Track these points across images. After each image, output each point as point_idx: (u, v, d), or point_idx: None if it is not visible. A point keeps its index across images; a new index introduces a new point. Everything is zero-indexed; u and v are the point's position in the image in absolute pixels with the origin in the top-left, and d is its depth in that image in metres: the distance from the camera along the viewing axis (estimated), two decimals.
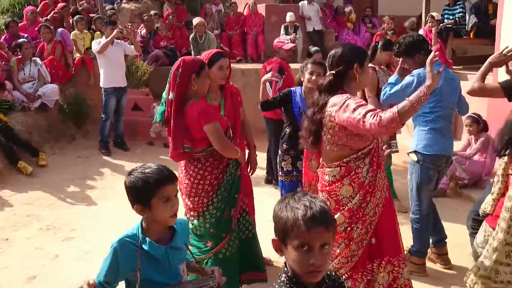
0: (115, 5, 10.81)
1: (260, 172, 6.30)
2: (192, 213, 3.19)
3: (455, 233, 4.21)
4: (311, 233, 1.52)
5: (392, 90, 3.81)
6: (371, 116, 2.44)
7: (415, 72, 3.73)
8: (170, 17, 10.30)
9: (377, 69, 4.84)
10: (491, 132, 5.58)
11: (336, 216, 2.64)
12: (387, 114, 2.43)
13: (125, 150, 7.61)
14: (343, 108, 2.56)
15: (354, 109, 2.50)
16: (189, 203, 3.18)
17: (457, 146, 5.95)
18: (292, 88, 4.13)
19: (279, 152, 4.17)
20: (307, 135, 2.80)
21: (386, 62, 4.99)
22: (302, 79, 4.10)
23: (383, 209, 2.78)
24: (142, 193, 1.99)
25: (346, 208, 2.71)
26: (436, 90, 3.56)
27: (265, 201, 5.08)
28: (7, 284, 3.81)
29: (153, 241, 2.05)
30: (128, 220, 4.85)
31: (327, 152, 2.77)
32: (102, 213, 5.28)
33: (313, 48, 5.98)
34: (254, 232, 3.45)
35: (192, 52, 9.38)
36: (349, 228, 2.70)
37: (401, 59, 3.95)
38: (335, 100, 2.64)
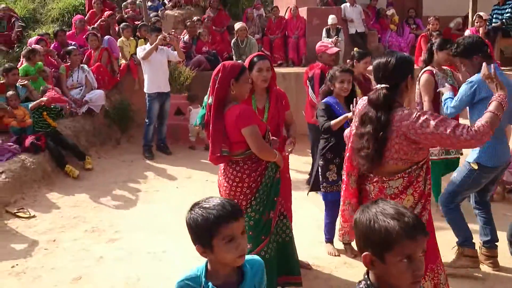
0: (159, 12, 11.06)
1: (301, 176, 6.29)
2: None
3: (502, 240, 4.04)
4: (415, 242, 1.47)
5: (453, 103, 3.81)
6: (462, 130, 2.46)
7: (474, 79, 3.67)
8: (205, 20, 10.42)
9: (434, 72, 4.69)
10: None
11: None
12: (480, 127, 2.47)
13: (167, 154, 7.75)
14: (420, 123, 2.50)
15: (437, 125, 2.47)
16: None
17: None
18: (325, 100, 4.10)
19: (321, 162, 4.09)
20: (370, 155, 2.64)
21: (447, 62, 4.80)
22: (331, 88, 4.08)
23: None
24: (202, 232, 1.80)
25: None
26: (482, 104, 3.52)
27: (304, 205, 5.10)
28: (54, 284, 3.95)
29: (217, 286, 1.84)
30: (170, 222, 4.99)
31: (387, 167, 2.67)
32: (145, 216, 5.38)
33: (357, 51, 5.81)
34: (291, 236, 3.44)
35: (233, 56, 9.46)
36: None
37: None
38: (403, 115, 2.55)
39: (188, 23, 9.84)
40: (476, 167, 3.69)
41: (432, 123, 2.47)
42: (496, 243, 3.95)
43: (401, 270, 1.47)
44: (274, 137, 3.42)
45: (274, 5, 12.26)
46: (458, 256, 3.93)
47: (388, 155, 2.61)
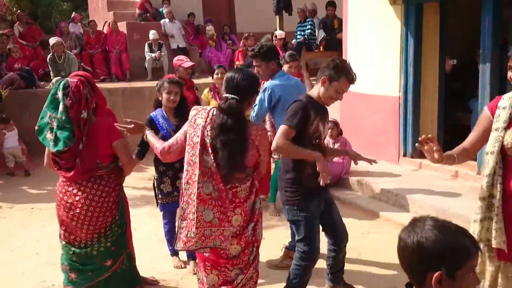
0: None
1: (137, 192, 6.28)
2: (90, 236, 3.11)
3: None
4: (477, 255, 1.47)
5: (255, 112, 4.21)
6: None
7: (267, 85, 4.12)
8: (14, 35, 9.67)
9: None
10: (345, 135, 6.27)
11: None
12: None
13: None
14: (262, 143, 2.85)
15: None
16: (86, 227, 3.08)
17: None
18: (152, 114, 4.08)
19: (155, 175, 4.10)
20: (226, 163, 2.73)
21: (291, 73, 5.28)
22: (160, 98, 4.06)
23: None
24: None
25: (257, 212, 2.90)
26: (280, 104, 4.06)
27: (145, 221, 5.14)
28: None
29: None
30: None
31: (240, 174, 2.82)
32: None
33: (216, 65, 6.06)
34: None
35: (51, 73, 8.95)
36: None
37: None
38: (254, 127, 2.81)
39: None
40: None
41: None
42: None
43: (469, 284, 1.46)
44: None
45: (90, 19, 11.91)
46: (284, 256, 4.14)
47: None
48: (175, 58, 5.61)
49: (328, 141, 6.22)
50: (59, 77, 8.66)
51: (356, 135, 6.60)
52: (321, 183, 2.98)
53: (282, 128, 3.09)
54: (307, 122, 3.06)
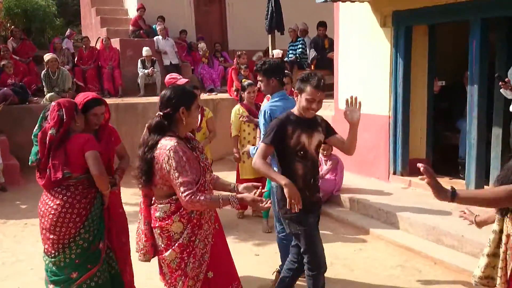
0: None
1: (131, 208, 6.30)
2: (55, 246, 3.24)
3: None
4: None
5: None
6: (184, 191, 2.63)
7: (262, 108, 4.09)
8: (2, 52, 9.62)
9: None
10: (335, 152, 6.38)
11: (167, 254, 2.79)
12: (199, 199, 2.63)
13: None
14: (166, 160, 2.66)
15: (176, 168, 2.64)
16: (52, 236, 3.23)
17: None
18: None
19: None
20: (139, 175, 2.79)
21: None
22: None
23: (214, 240, 2.88)
24: None
25: (177, 244, 2.77)
26: None
27: None
28: None
29: None
30: None
31: (157, 190, 2.81)
32: None
33: (246, 82, 6.05)
34: (117, 269, 3.54)
35: (44, 88, 8.99)
36: (182, 264, 2.78)
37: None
38: (163, 142, 2.72)
39: None
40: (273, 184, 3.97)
41: (173, 164, 2.64)
42: None
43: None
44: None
45: (83, 35, 12.00)
46: (276, 281, 4.08)
47: (155, 179, 2.76)
48: (167, 77, 5.63)
49: (320, 159, 6.34)
50: (52, 93, 8.73)
51: None
52: (292, 210, 3.09)
53: (259, 145, 3.31)
54: (285, 137, 3.25)
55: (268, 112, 3.97)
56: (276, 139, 3.24)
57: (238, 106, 5.89)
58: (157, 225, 2.81)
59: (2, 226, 6.04)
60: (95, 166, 3.21)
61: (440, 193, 2.26)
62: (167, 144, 2.70)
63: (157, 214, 2.80)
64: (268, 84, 4.10)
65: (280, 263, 4.16)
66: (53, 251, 3.26)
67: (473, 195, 2.40)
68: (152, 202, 2.89)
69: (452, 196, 2.24)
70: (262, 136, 4.07)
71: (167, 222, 2.76)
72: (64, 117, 3.22)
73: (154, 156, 2.72)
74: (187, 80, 5.70)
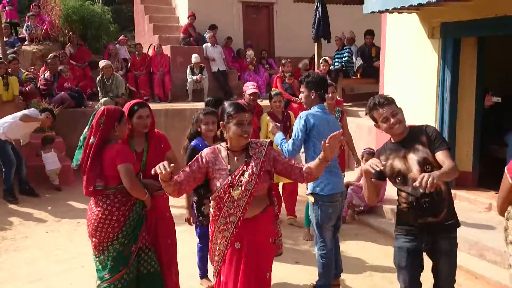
0: (15, 48, 10.49)
1: (176, 211, 6.52)
2: (97, 247, 3.46)
3: (359, 256, 4.75)
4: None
5: (290, 143, 4.07)
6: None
7: (301, 114, 4.11)
8: (61, 58, 10.09)
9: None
10: None
11: None
12: None
13: (34, 196, 7.36)
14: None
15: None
16: (94, 239, 3.45)
17: (352, 176, 6.71)
18: (194, 143, 4.25)
19: (195, 197, 4.25)
20: None
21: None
22: (198, 129, 4.27)
23: None
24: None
25: None
26: (315, 132, 4.00)
27: (184, 239, 5.36)
28: None
29: None
30: (44, 270, 4.86)
31: None
32: (16, 265, 5.13)
33: (273, 91, 6.15)
34: (156, 267, 3.67)
35: (99, 93, 9.43)
36: None
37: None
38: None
39: (49, 60, 9.50)
40: (313, 199, 4.00)
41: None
42: (340, 273, 4.43)
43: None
44: (152, 180, 3.58)
45: (136, 42, 12.49)
46: None
47: None
48: (245, 84, 6.12)
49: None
50: (107, 98, 9.14)
51: None
52: None
53: None
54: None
55: (304, 118, 4.04)
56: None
57: (265, 114, 5.95)
58: None
59: (56, 225, 6.42)
60: (126, 179, 3.36)
61: None
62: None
63: None
64: (309, 96, 4.15)
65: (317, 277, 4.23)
66: (96, 252, 3.49)
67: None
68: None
69: None
70: (294, 136, 4.10)
71: None
72: (102, 125, 3.37)
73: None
74: (255, 90, 6.02)
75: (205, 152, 3.05)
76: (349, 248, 5.37)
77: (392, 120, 3.03)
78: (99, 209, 3.42)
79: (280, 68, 9.68)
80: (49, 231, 6.18)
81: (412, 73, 6.70)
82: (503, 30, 5.49)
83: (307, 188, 4.12)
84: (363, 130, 7.91)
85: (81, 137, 3.62)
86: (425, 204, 2.98)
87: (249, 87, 6.00)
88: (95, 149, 3.36)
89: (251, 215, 2.96)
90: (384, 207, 6.17)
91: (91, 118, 3.50)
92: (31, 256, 5.36)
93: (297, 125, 4.07)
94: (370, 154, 6.09)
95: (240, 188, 2.89)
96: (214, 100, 5.32)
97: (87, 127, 3.51)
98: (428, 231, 3.05)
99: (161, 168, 2.72)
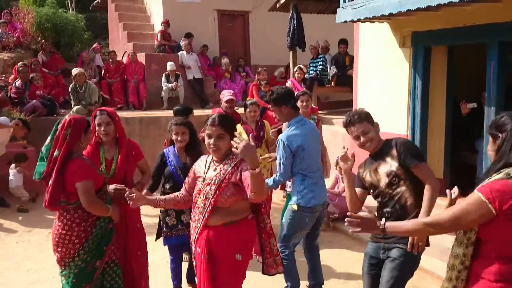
0: None
1: (150, 220, 6.45)
2: (60, 262, 3.35)
3: (333, 264, 4.77)
4: None
5: (279, 173, 4.04)
6: None
7: (279, 138, 4.07)
8: (33, 66, 9.94)
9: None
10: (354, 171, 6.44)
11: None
12: None
13: (5, 206, 7.21)
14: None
15: None
16: (57, 254, 3.34)
17: (327, 183, 6.74)
18: (165, 149, 4.36)
19: (161, 208, 4.24)
20: None
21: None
22: (172, 138, 4.29)
23: None
24: None
25: None
26: (300, 152, 3.98)
27: (157, 248, 5.30)
28: None
29: None
30: (15, 281, 4.73)
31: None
32: None
33: (249, 101, 6.04)
34: (120, 284, 3.55)
35: (72, 101, 9.31)
36: None
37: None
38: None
39: (20, 68, 9.31)
40: (296, 208, 4.00)
41: None
42: (321, 285, 4.42)
43: None
44: (120, 186, 3.58)
45: (110, 49, 12.37)
46: None
47: None
48: (222, 92, 6.12)
49: (338, 176, 6.42)
50: (79, 106, 9.02)
51: None
52: None
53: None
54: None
55: (286, 143, 3.94)
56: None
57: (238, 125, 5.71)
58: None
59: (27, 235, 6.29)
60: (83, 197, 3.21)
61: (373, 229, 2.51)
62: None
63: None
64: (281, 112, 4.09)
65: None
66: (60, 266, 3.37)
67: (399, 225, 2.54)
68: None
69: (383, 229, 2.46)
70: (278, 165, 4.05)
71: None
72: (67, 137, 3.22)
73: None
74: (231, 97, 6.00)
75: (197, 161, 3.27)
76: (323, 255, 5.34)
77: (362, 139, 3.15)
78: (59, 224, 3.30)
79: (256, 76, 9.72)
80: (19, 242, 6.04)
81: (384, 81, 6.82)
82: (472, 39, 5.63)
83: (283, 196, 4.14)
84: (338, 138, 7.99)
85: (43, 148, 3.39)
86: (387, 214, 3.10)
87: (225, 95, 6.01)
88: (59, 163, 3.19)
89: (213, 224, 3.02)
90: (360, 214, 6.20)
91: (54, 127, 3.31)
92: (1, 267, 5.23)
93: (281, 153, 3.97)
94: None
95: (203, 196, 3.01)
96: (183, 109, 5.29)
97: (50, 137, 3.31)
98: (386, 238, 3.12)
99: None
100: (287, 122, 4.18)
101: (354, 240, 5.86)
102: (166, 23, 12.02)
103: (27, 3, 14.31)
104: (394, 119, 6.61)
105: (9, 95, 9.00)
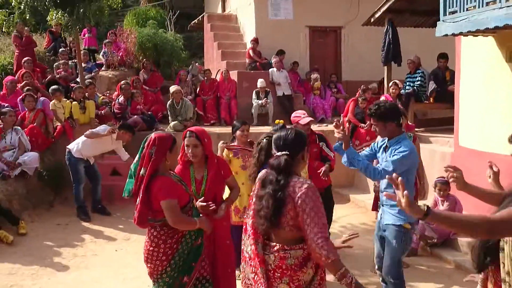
0: (93, 73, 11.14)
1: None
2: (151, 276, 3.38)
3: None
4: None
5: (390, 168, 3.79)
6: (319, 234, 2.53)
7: (408, 147, 3.84)
8: (134, 83, 10.46)
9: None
10: (453, 192, 6.02)
11: None
12: (330, 245, 2.53)
13: (106, 214, 7.68)
14: (303, 199, 2.60)
15: (312, 208, 2.58)
16: (148, 268, 3.39)
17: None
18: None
19: None
20: (268, 214, 2.64)
21: None
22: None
23: None
24: None
25: None
26: (415, 165, 3.95)
27: None
28: None
29: None
30: None
31: (285, 233, 2.68)
32: (84, 282, 5.31)
33: (275, 127, 5.44)
34: None
35: (169, 117, 9.75)
36: None
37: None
38: (297, 181, 2.67)
39: (123, 85, 9.96)
40: (409, 226, 3.85)
41: (309, 206, 2.57)
42: None
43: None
44: (210, 203, 3.59)
45: (205, 67, 12.86)
46: None
47: (284, 221, 2.64)
48: (293, 115, 5.60)
49: (437, 199, 6.03)
50: (176, 121, 9.42)
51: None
52: None
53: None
54: None
55: (412, 153, 3.83)
56: None
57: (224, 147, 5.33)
58: (288, 273, 2.63)
59: (125, 243, 6.60)
60: (169, 216, 3.20)
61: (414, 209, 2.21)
62: (302, 183, 2.65)
63: (289, 261, 2.64)
64: (385, 128, 3.91)
65: None
66: (151, 279, 3.41)
67: (448, 215, 2.30)
68: (275, 249, 2.69)
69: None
70: (392, 166, 3.80)
71: (302, 270, 2.63)
72: (153, 155, 3.20)
73: (288, 195, 2.62)
74: (311, 118, 5.54)
75: None
76: (420, 284, 5.07)
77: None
78: (147, 240, 3.35)
79: (357, 93, 9.50)
80: (118, 249, 6.36)
81: (489, 98, 6.33)
82: None
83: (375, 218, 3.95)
84: (436, 157, 7.54)
85: (132, 166, 3.46)
86: None
87: (302, 117, 5.50)
88: (146, 181, 3.19)
89: None
90: (459, 240, 5.79)
91: (142, 145, 3.31)
92: (99, 274, 5.52)
93: (399, 158, 3.78)
94: (444, 183, 5.77)
95: None
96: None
97: (138, 155, 3.33)
98: None
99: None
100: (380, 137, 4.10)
101: (455, 268, 5.45)
102: (255, 41, 12.25)
103: (130, 24, 15.35)
104: (500, 139, 6.10)
105: (112, 110, 9.67)
